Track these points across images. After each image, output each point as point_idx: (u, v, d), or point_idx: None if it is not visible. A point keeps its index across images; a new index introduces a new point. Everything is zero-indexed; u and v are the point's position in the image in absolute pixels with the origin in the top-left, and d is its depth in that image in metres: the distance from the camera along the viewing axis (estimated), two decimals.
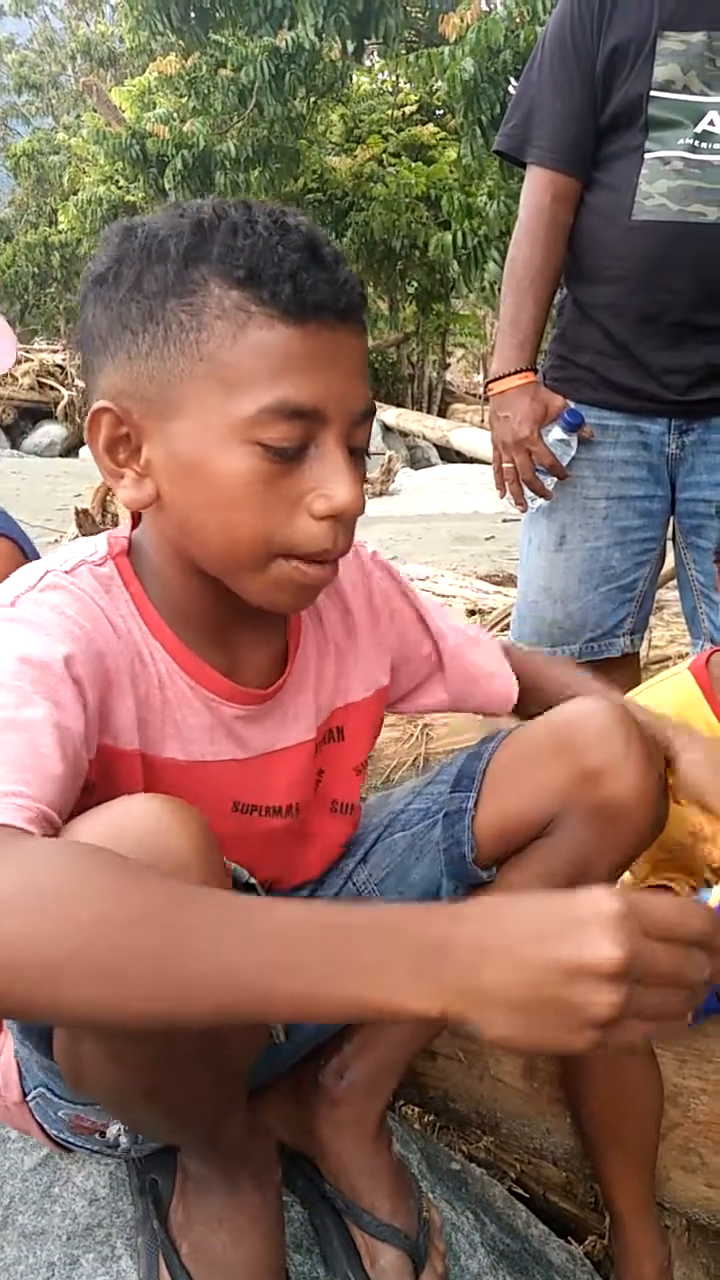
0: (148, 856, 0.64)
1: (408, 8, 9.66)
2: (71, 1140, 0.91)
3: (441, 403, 14.48)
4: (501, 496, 1.83)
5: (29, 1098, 0.89)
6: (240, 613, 0.85)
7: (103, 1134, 0.88)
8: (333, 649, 0.97)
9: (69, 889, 0.57)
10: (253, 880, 0.81)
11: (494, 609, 3.71)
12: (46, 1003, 0.57)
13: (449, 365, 16.13)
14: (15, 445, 13.36)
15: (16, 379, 13.75)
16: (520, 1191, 1.32)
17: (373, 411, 0.82)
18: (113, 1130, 0.87)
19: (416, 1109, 1.26)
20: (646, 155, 1.60)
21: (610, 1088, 1.13)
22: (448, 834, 0.97)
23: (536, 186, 1.70)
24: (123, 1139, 0.87)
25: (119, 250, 0.77)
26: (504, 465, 1.77)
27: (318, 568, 0.80)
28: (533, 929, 0.57)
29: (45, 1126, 0.91)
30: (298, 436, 0.75)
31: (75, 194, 14.97)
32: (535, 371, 1.74)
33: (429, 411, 13.74)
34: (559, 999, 0.55)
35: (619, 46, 1.59)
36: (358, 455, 0.80)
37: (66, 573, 0.81)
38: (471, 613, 3.91)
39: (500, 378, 1.75)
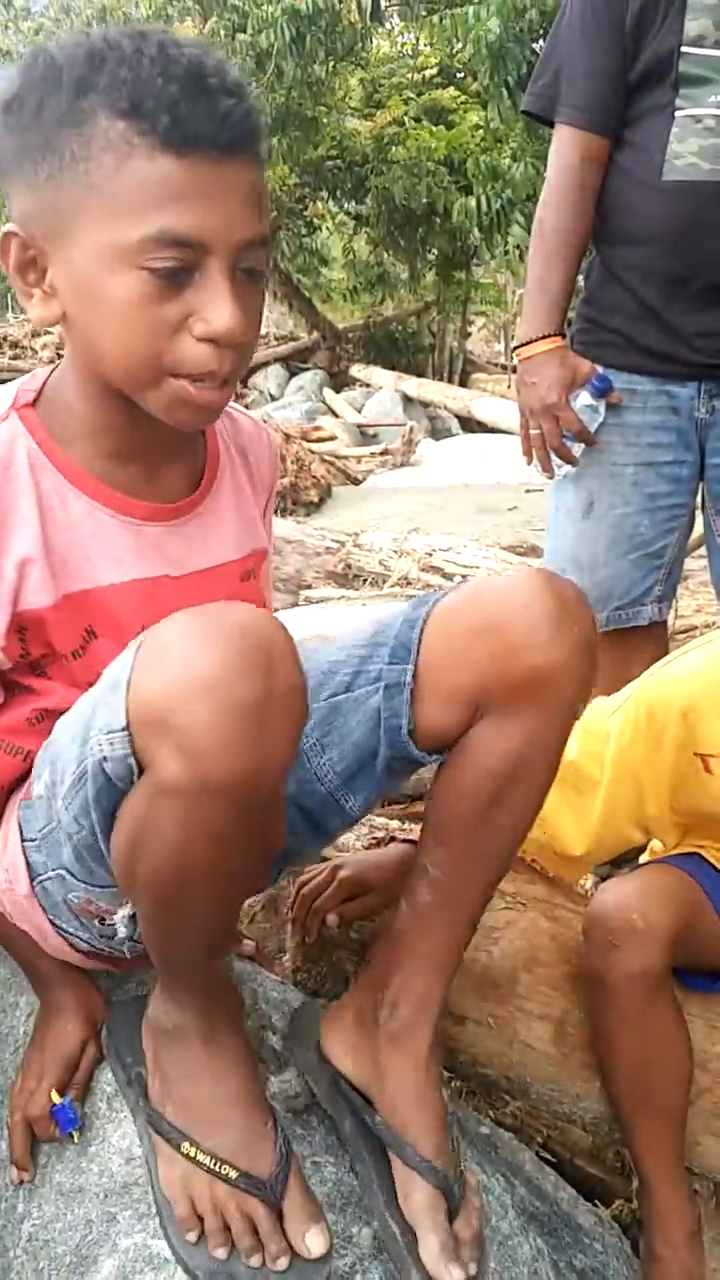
0: (240, 643, 0.74)
1: None
2: (71, 931, 0.98)
3: (463, 373, 14.33)
4: (529, 463, 1.81)
5: (37, 883, 0.96)
6: (151, 429, 0.91)
7: (103, 920, 0.94)
8: (247, 495, 1.06)
9: None
10: None
11: None
12: None
13: (470, 335, 15.95)
14: None
15: (36, 352, 13.72)
16: (547, 1156, 1.33)
17: (264, 240, 0.85)
18: (118, 915, 0.92)
19: (446, 1073, 1.27)
20: (677, 113, 1.56)
21: (640, 1053, 1.14)
22: (388, 705, 0.97)
23: (565, 147, 1.67)
24: (122, 928, 0.92)
25: (24, 77, 0.82)
26: (531, 432, 1.75)
27: (205, 388, 0.85)
28: None
29: (50, 914, 0.97)
30: (181, 263, 0.80)
31: None
32: (563, 336, 1.72)
33: (450, 381, 13.61)
34: None
35: (648, 2, 1.55)
36: (252, 282, 0.85)
37: None
38: None
39: (528, 343, 1.73)
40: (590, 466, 1.74)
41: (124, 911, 0.91)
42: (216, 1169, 0.89)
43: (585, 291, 1.79)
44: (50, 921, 0.98)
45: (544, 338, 1.71)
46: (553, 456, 1.74)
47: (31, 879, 0.96)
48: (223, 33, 10.95)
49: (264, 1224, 0.87)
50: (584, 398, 1.70)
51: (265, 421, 1.14)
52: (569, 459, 1.72)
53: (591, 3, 1.61)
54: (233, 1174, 0.88)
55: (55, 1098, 0.99)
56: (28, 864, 0.96)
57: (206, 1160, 0.89)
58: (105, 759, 0.79)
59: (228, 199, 0.80)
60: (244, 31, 10.51)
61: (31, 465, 0.90)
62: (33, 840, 0.95)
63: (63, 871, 0.93)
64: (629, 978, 1.11)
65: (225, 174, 0.80)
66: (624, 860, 1.57)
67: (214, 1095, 0.92)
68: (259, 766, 0.75)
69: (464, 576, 4.03)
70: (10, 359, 13.50)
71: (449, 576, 4.02)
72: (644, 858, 1.44)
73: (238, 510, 1.04)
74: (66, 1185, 0.97)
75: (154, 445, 0.95)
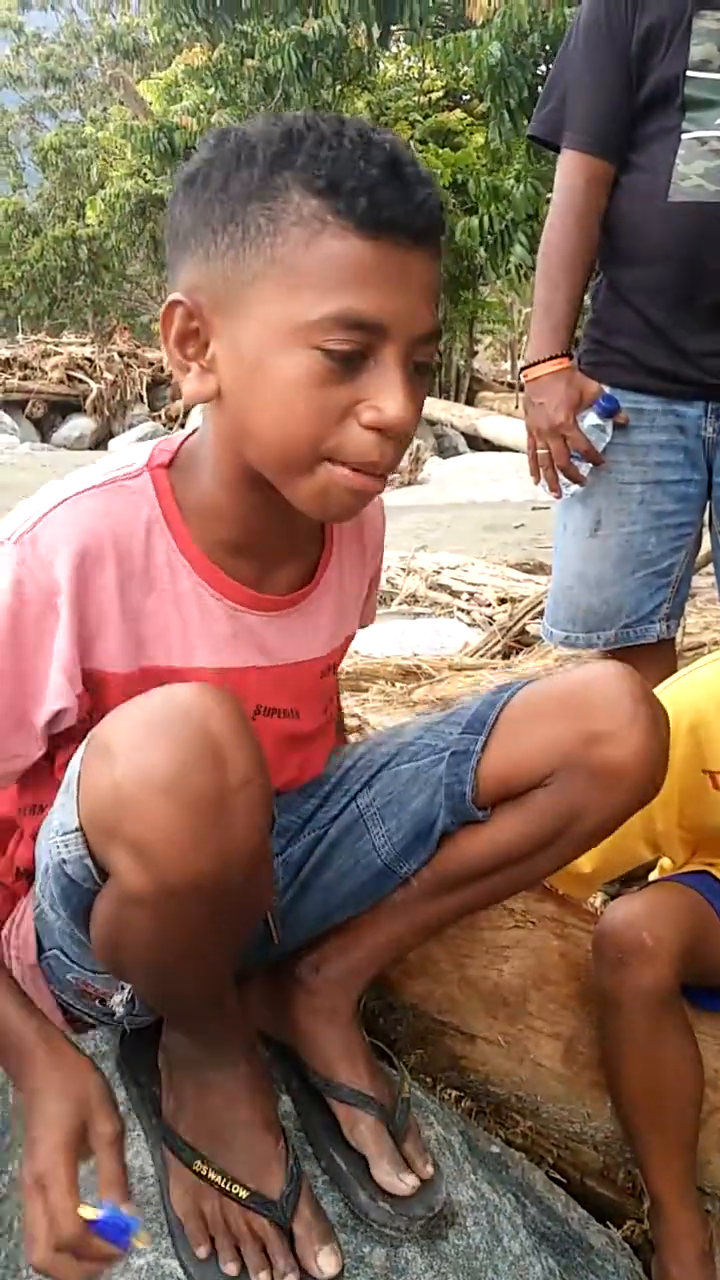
0: (186, 735, 0.71)
1: None
2: (72, 1003, 0.99)
3: (469, 391, 14.40)
4: (536, 483, 1.82)
5: (43, 958, 0.96)
6: (279, 523, 0.90)
7: (103, 1001, 0.95)
8: (353, 577, 1.04)
9: None
10: None
11: (524, 597, 3.70)
12: None
13: (476, 353, 16.03)
14: (45, 438, 13.45)
15: (46, 372, 13.83)
16: (558, 1177, 1.32)
17: (438, 335, 0.84)
18: (115, 999, 0.94)
19: (456, 1092, 1.27)
20: (683, 136, 1.58)
21: (650, 1071, 1.14)
22: (452, 772, 1.01)
23: (570, 170, 1.69)
24: (119, 1009, 0.94)
25: (212, 153, 0.81)
26: (539, 451, 1.76)
27: (363, 478, 0.83)
28: None
29: (55, 992, 0.98)
30: (357, 346, 0.78)
31: (103, 188, 15.02)
32: (570, 357, 1.73)
33: (456, 400, 13.68)
34: None
35: (654, 26, 1.57)
36: (420, 376, 0.83)
37: (98, 487, 0.87)
38: (503, 600, 3.91)
39: (535, 364, 1.74)
40: (597, 485, 1.75)
41: (120, 995, 0.93)
42: (227, 1188, 0.89)
43: (592, 312, 1.81)
44: (54, 994, 0.99)
45: (551, 359, 1.72)
46: (560, 476, 1.75)
47: (39, 952, 0.97)
48: (231, 59, 11.09)
49: (273, 1243, 0.88)
50: (591, 418, 1.71)
51: None
52: (576, 479, 1.74)
53: (595, 29, 1.63)
54: (243, 1193, 0.89)
55: (88, 1212, 0.77)
56: (38, 936, 0.97)
57: (217, 1179, 0.90)
58: (64, 860, 0.81)
59: (411, 288, 0.79)
60: (252, 57, 10.64)
61: (149, 528, 0.88)
62: (38, 915, 0.97)
63: (58, 951, 0.95)
64: (638, 995, 1.11)
65: (412, 262, 0.79)
66: (633, 878, 1.57)
67: (226, 1116, 0.93)
68: (222, 863, 0.73)
69: (470, 594, 4.04)
70: (20, 379, 13.62)
71: (456, 594, 4.03)
72: (653, 875, 1.44)
73: (339, 601, 1.02)
74: None
75: (275, 541, 0.93)
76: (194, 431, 0.93)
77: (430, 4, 9.38)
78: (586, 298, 1.80)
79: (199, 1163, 0.91)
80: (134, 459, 0.90)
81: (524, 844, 1.00)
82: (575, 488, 1.76)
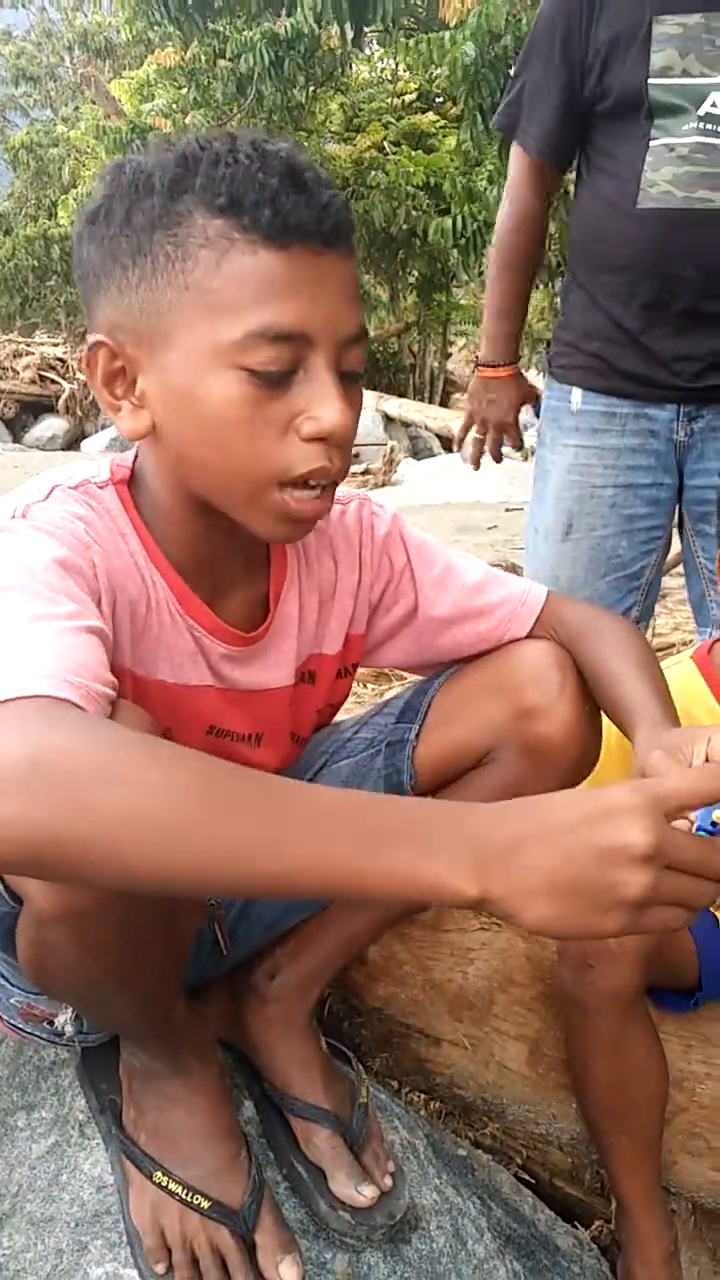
0: None
1: None
2: (23, 1027, 0.97)
3: (443, 392, 14.44)
4: (457, 450, 2.06)
5: None
6: (230, 549, 0.89)
7: (51, 1022, 0.94)
8: (317, 598, 0.99)
9: (157, 766, 0.60)
10: None
11: None
12: (116, 865, 0.58)
13: (450, 355, 16.07)
14: (17, 439, 13.36)
15: (18, 373, 13.74)
16: (526, 1177, 1.32)
17: (365, 335, 0.82)
18: (60, 1019, 0.93)
19: (422, 1095, 1.27)
20: (651, 142, 1.58)
21: (616, 1073, 1.14)
22: (389, 762, 1.02)
23: (513, 167, 1.81)
24: (68, 1027, 0.93)
25: (110, 187, 0.79)
26: (475, 436, 1.96)
27: (312, 497, 0.81)
28: (568, 819, 0.60)
29: (2, 1013, 0.96)
30: (284, 361, 0.76)
31: (75, 187, 14.93)
32: (516, 363, 1.91)
33: (430, 401, 13.71)
34: (594, 880, 0.59)
35: (613, 35, 1.58)
36: (351, 379, 0.81)
37: (73, 488, 0.84)
38: None
39: (492, 366, 1.89)
40: (569, 489, 1.75)
41: (64, 1015, 0.92)
42: (188, 1199, 0.88)
43: (562, 315, 1.82)
44: (3, 1018, 0.97)
45: (506, 365, 1.89)
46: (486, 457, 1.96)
47: None
48: (204, 59, 11.04)
49: (233, 1256, 0.87)
50: (525, 413, 1.93)
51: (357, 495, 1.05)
52: (497, 458, 1.98)
53: (550, 35, 1.64)
54: (204, 1204, 0.88)
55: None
56: None
57: (178, 1190, 0.89)
58: None
59: (330, 292, 0.77)
60: (224, 57, 10.60)
61: (123, 535, 0.86)
62: None
63: None
64: (603, 997, 1.11)
65: (326, 266, 0.77)
66: None
67: (186, 1125, 0.92)
68: None
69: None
70: None
71: None
72: None
73: (301, 630, 0.98)
74: (37, 1214, 0.96)
75: (226, 565, 0.91)
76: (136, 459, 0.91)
77: (403, 4, 9.38)
78: (558, 300, 1.83)
79: (159, 1174, 0.90)
80: (95, 471, 0.88)
81: None
82: (546, 487, 1.80)
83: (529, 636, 1.03)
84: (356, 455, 10.32)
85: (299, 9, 8.77)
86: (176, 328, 0.77)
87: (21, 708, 0.62)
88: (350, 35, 9.30)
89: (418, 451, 11.35)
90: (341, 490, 0.92)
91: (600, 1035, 1.13)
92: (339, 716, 1.13)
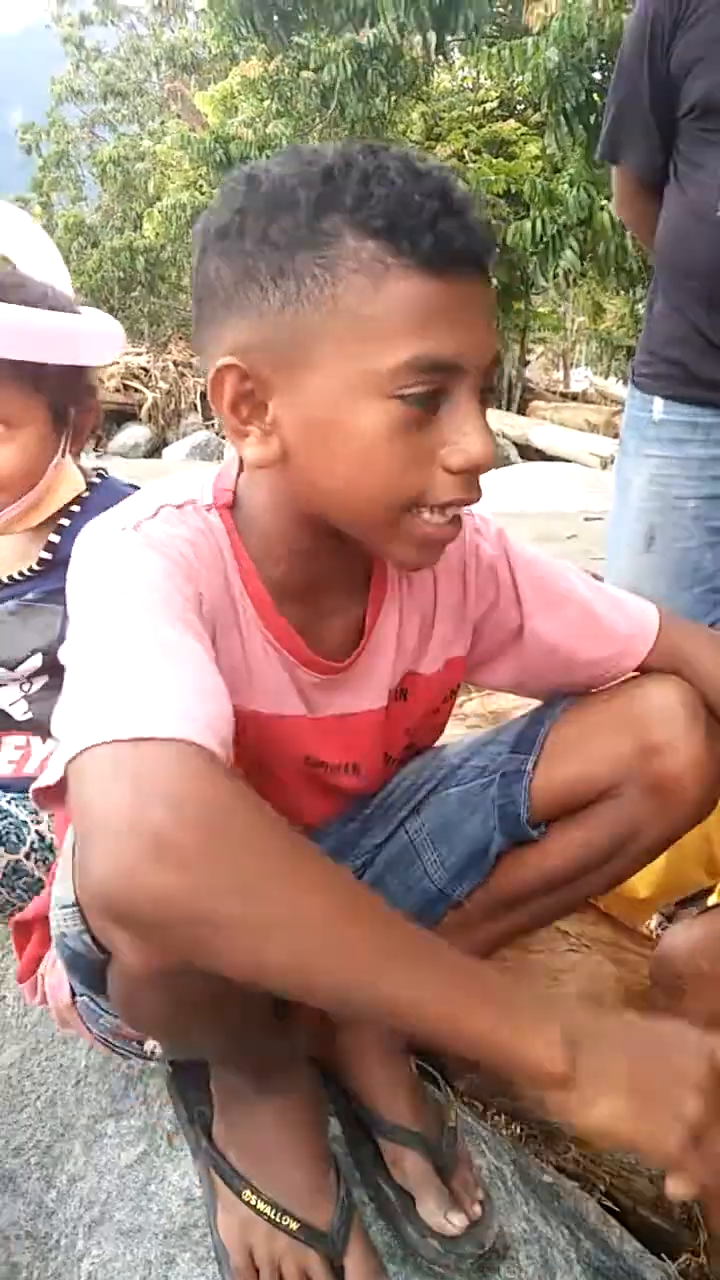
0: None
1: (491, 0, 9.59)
2: (114, 1043, 0.98)
3: (521, 400, 14.33)
4: None
5: (76, 1001, 0.95)
6: (333, 574, 0.88)
7: (141, 1043, 0.95)
8: (417, 617, 0.97)
9: (309, 880, 0.63)
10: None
11: None
12: (251, 962, 0.61)
13: (528, 363, 15.95)
14: (101, 446, 13.63)
15: (102, 382, 14.02)
16: (610, 1205, 1.29)
17: (500, 357, 0.80)
18: (149, 1044, 0.94)
19: (505, 1117, 1.25)
20: None
21: None
22: (504, 793, 0.99)
23: (618, 189, 1.83)
24: (158, 1050, 0.95)
25: (243, 201, 0.74)
26: None
27: (445, 523, 0.79)
28: (661, 1029, 0.69)
29: (91, 1029, 0.97)
30: (435, 389, 0.74)
31: (160, 200, 15.21)
32: None
33: (509, 410, 13.61)
34: (669, 1090, 0.64)
35: (696, 48, 1.56)
36: (485, 399, 0.79)
37: (177, 508, 0.82)
38: None
39: None
40: (650, 500, 1.73)
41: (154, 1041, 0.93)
42: (277, 1219, 0.88)
43: (646, 323, 1.79)
44: (90, 1031, 0.98)
45: None
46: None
47: (73, 993, 0.96)
48: (287, 71, 11.18)
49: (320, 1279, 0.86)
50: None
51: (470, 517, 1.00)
52: None
53: (637, 51, 1.64)
54: (293, 1225, 0.87)
55: None
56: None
57: (267, 1210, 0.88)
58: (64, 934, 0.79)
59: (478, 318, 0.75)
60: (307, 69, 10.72)
61: (224, 561, 0.84)
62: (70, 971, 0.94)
63: (86, 998, 0.94)
64: (695, 1021, 1.08)
65: (476, 291, 0.74)
66: (691, 899, 1.54)
67: (276, 1145, 0.91)
68: None
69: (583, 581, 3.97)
70: None
71: None
72: (713, 898, 1.41)
73: (398, 652, 0.96)
74: (126, 1224, 0.96)
75: (328, 592, 0.89)
76: (241, 470, 0.88)
77: (486, 12, 9.37)
78: (641, 307, 1.81)
79: (248, 1192, 0.90)
80: (199, 493, 0.85)
81: (579, 862, 0.98)
82: (629, 502, 1.75)
83: (648, 665, 1.01)
84: None
85: (382, 19, 8.82)
86: (323, 353, 0.73)
87: (168, 756, 0.61)
88: (433, 44, 9.32)
89: (495, 461, 11.28)
90: None
91: None
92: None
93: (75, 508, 1.30)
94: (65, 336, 1.20)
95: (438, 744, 1.10)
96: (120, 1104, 1.06)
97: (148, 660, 0.66)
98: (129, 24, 22.70)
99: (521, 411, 13.71)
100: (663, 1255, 1.24)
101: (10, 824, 1.25)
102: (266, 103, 11.88)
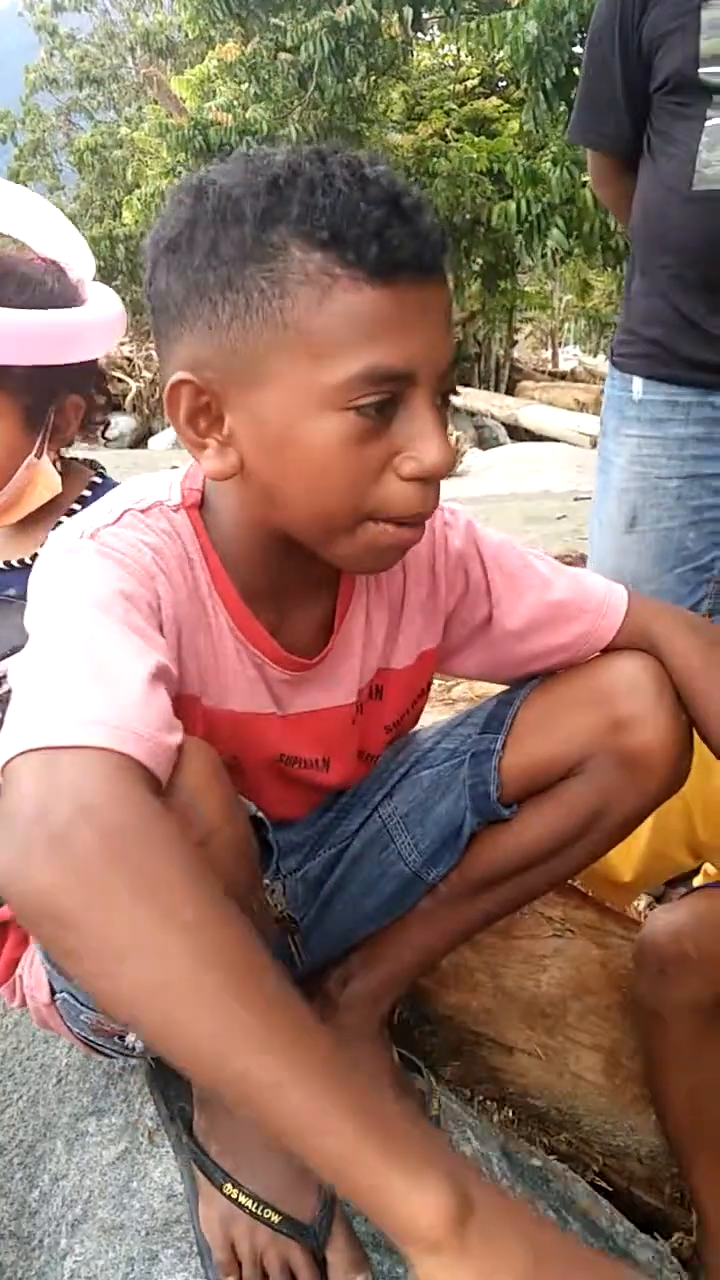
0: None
1: None
2: (94, 1040, 0.96)
3: (509, 380, 14.30)
4: None
5: (56, 998, 0.94)
6: (301, 574, 0.87)
7: (121, 1038, 0.94)
8: (385, 613, 0.97)
9: (189, 931, 0.56)
10: (260, 814, 0.84)
11: None
12: (108, 986, 0.56)
13: (516, 342, 15.90)
14: (103, 437, 13.55)
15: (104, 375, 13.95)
16: (604, 1185, 1.29)
17: (458, 361, 0.79)
18: (130, 1036, 0.93)
19: (495, 1102, 1.24)
20: (707, 123, 1.54)
21: (693, 1085, 1.10)
22: (474, 773, 0.99)
23: (592, 169, 1.82)
24: (139, 1044, 0.93)
25: (191, 213, 0.74)
26: None
27: (406, 529, 0.79)
28: (560, 1237, 0.55)
29: (71, 1027, 0.96)
30: (387, 398, 0.73)
31: (138, 187, 15.09)
32: None
33: (496, 390, 13.59)
34: None
35: (664, 25, 1.55)
36: (443, 403, 0.78)
37: (142, 512, 0.81)
38: None
39: None
40: (632, 481, 1.71)
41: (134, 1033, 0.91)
42: (259, 1212, 0.87)
43: (625, 300, 1.77)
44: (71, 1030, 0.97)
45: None
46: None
47: (52, 991, 0.96)
48: (264, 53, 11.07)
49: (304, 1272, 0.86)
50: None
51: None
52: None
53: (606, 33, 1.63)
54: (275, 1218, 0.87)
55: None
56: (50, 977, 0.96)
57: (249, 1203, 0.88)
58: None
59: (432, 324, 0.73)
60: (285, 50, 10.61)
61: (192, 562, 0.84)
62: (50, 964, 0.94)
63: (67, 995, 0.93)
64: (680, 1008, 1.08)
65: (428, 297, 0.73)
66: (680, 880, 1.53)
67: (254, 1140, 0.90)
68: None
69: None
70: None
71: None
72: (698, 880, 1.41)
73: (367, 647, 0.95)
74: (109, 1222, 0.96)
75: (295, 590, 0.89)
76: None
77: None
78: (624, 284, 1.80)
79: (229, 1185, 0.89)
80: (167, 492, 0.84)
81: (553, 839, 0.98)
82: (610, 482, 1.74)
83: (616, 645, 1.00)
84: None
85: None
86: (273, 367, 0.72)
87: (85, 762, 0.60)
88: (409, 20, 9.23)
89: (484, 441, 11.25)
90: None
91: (677, 1047, 1.09)
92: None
93: (76, 506, 1.26)
94: (39, 338, 1.14)
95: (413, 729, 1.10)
96: (101, 1102, 1.06)
97: (75, 669, 0.66)
98: (102, 9, 22.44)
99: (510, 392, 13.68)
100: (655, 1234, 1.24)
101: None
102: (245, 86, 11.76)
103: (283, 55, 10.77)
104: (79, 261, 1.27)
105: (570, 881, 1.23)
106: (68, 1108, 1.07)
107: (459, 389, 12.47)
